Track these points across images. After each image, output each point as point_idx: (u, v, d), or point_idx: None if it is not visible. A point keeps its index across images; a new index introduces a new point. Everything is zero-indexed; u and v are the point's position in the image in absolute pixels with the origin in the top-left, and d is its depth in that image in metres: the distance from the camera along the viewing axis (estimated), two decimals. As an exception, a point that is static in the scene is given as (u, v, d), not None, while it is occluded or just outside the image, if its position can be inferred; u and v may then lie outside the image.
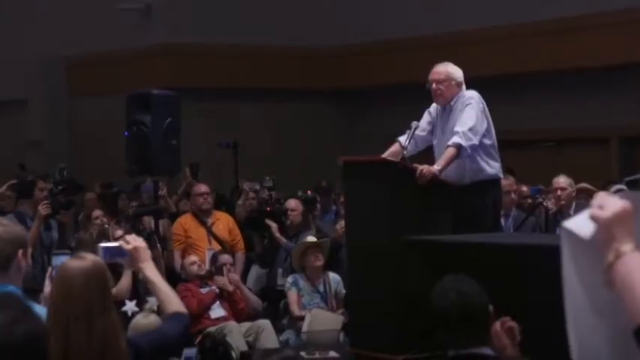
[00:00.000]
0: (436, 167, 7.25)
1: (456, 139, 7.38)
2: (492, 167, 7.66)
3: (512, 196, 10.03)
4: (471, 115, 7.49)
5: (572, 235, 2.50)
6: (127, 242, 4.16)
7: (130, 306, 8.00)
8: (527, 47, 14.66)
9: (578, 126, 14.82)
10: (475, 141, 7.42)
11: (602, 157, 14.84)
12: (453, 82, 7.70)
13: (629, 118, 14.26)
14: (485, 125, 7.58)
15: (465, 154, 7.40)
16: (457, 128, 7.44)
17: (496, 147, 7.69)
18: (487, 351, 4.02)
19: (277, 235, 10.22)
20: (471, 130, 7.41)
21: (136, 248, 4.16)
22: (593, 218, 2.42)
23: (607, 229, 2.39)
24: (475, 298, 4.04)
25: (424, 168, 7.16)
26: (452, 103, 7.70)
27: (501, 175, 7.91)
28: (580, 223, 2.48)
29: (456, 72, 7.77)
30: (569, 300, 2.58)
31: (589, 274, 2.49)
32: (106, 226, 8.91)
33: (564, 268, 2.54)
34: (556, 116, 14.93)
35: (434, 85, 7.73)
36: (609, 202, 2.40)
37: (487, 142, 7.62)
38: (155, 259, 8.15)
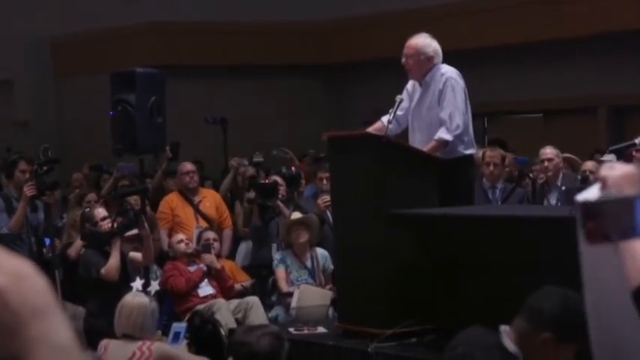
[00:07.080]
0: None
1: (443, 136, 7.31)
2: (465, 145, 7.52)
3: (500, 168, 9.97)
4: (457, 101, 7.40)
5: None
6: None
7: (137, 284, 8.10)
8: (512, 18, 14.60)
9: (566, 96, 14.79)
10: (460, 130, 7.37)
11: (591, 126, 14.82)
12: (422, 57, 7.50)
13: (618, 86, 14.23)
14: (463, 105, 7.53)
15: (448, 146, 7.38)
16: (443, 115, 7.37)
17: (470, 124, 7.58)
18: None
19: (282, 205, 10.09)
20: (456, 120, 7.34)
21: None
22: (604, 177, 2.52)
23: (617, 187, 2.55)
24: None
25: None
26: (427, 78, 7.56)
27: (474, 151, 7.82)
28: (590, 193, 2.60)
29: (427, 46, 7.54)
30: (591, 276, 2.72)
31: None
32: (87, 209, 8.83)
33: (581, 244, 2.64)
34: (543, 87, 14.90)
35: (403, 59, 7.62)
36: (619, 165, 2.65)
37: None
38: (142, 239, 8.23)
